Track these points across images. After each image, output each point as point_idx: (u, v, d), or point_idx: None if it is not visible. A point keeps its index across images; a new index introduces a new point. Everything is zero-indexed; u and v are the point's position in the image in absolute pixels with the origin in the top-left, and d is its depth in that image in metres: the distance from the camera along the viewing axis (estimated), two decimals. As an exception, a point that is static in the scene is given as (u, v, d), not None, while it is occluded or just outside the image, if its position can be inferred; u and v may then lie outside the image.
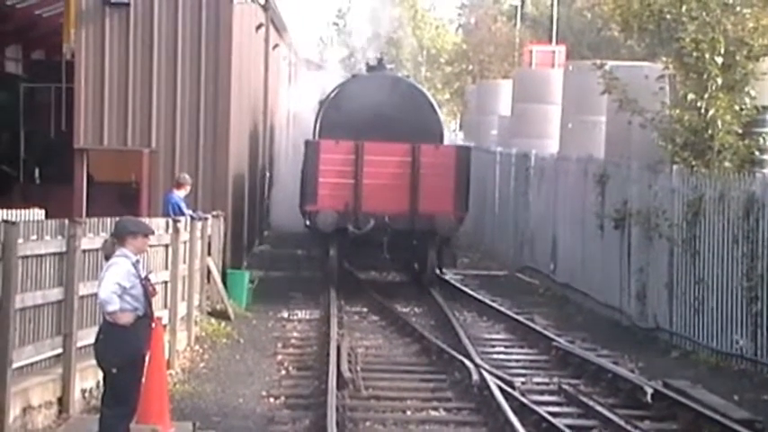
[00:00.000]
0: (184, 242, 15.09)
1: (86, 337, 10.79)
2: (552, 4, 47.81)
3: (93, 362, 9.34)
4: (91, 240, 11.30)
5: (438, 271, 21.18)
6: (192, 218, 16.19)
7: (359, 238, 20.04)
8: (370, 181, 20.05)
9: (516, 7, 55.86)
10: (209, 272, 17.21)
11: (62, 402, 10.73)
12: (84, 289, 11.13)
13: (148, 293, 8.95)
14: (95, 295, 9.81)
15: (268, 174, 28.01)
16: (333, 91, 23.27)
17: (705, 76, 16.74)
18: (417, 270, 21.60)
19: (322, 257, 21.13)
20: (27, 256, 10.19)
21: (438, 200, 20.04)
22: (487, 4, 64.49)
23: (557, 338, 15.98)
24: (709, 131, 16.73)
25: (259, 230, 26.99)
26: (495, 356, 15.37)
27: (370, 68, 24.52)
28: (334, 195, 20.01)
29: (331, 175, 20.10)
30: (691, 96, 16.81)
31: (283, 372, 14.11)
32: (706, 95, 16.70)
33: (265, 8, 25.15)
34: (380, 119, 20.97)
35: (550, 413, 11.72)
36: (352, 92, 22.31)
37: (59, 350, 10.89)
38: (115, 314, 8.76)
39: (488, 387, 12.57)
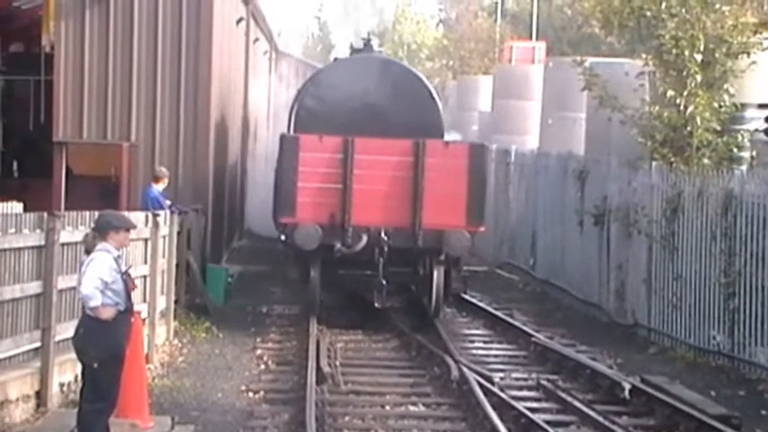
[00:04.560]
0: (164, 236, 15.04)
1: (65, 330, 10.76)
2: (532, 1, 47.91)
3: (72, 355, 9.32)
4: (70, 234, 11.26)
5: (445, 298, 17.19)
6: (172, 212, 16.16)
7: (348, 258, 16.28)
8: (361, 186, 16.20)
9: (497, 3, 55.95)
10: (188, 266, 17.17)
11: (40, 396, 10.69)
12: (62, 282, 11.08)
13: (128, 288, 8.93)
14: (74, 289, 9.77)
15: (248, 171, 27.86)
16: (311, 77, 20.26)
17: (684, 74, 16.83)
18: (418, 294, 17.55)
19: (301, 280, 17.32)
20: (5, 250, 10.15)
21: (447, 211, 16.19)
22: (468, -1, 64.61)
23: (536, 334, 16.03)
24: (689, 128, 16.82)
25: (238, 228, 26.91)
26: (475, 352, 15.40)
27: (354, 51, 20.89)
28: (316, 204, 16.19)
29: (313, 178, 16.24)
30: (670, 93, 16.88)
31: (263, 366, 14.10)
32: (685, 92, 16.79)
33: (246, 2, 25.11)
34: (368, 109, 18.01)
35: (529, 409, 11.76)
36: (334, 77, 19.06)
37: (38, 344, 10.84)
38: (97, 309, 8.72)
39: (468, 382, 12.60)
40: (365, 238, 16.10)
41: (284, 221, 16.51)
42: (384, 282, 16.18)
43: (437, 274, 16.63)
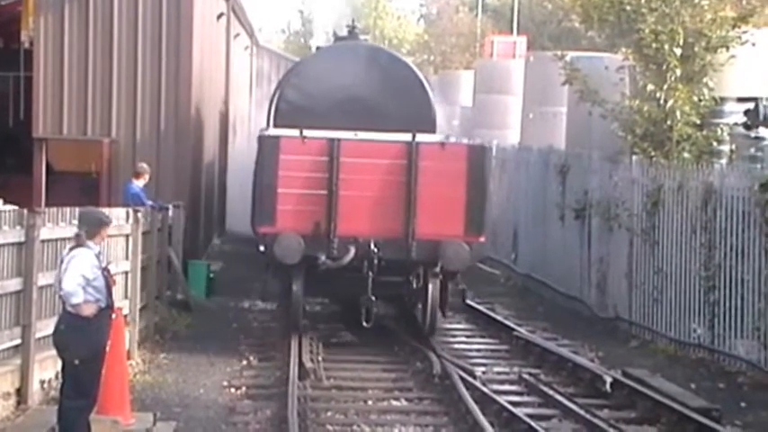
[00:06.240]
0: (145, 232, 15.01)
1: (45, 327, 10.72)
2: (513, -5, 47.93)
3: (53, 352, 9.28)
4: (50, 230, 11.22)
5: (442, 314, 15.64)
6: (153, 208, 16.13)
7: (334, 271, 14.61)
8: (349, 193, 14.51)
9: (478, -2, 56.03)
10: (169, 262, 17.14)
11: (20, 393, 10.65)
12: (43, 279, 11.04)
13: (109, 284, 8.90)
14: (55, 286, 9.73)
15: (229, 168, 27.76)
16: (292, 67, 19.28)
17: (664, 68, 16.90)
18: (409, 306, 16.27)
19: (282, 293, 15.97)
20: (-15, 247, 10.11)
21: (443, 219, 14.56)
22: (449, -6, 64.65)
23: (517, 328, 16.07)
24: (669, 122, 16.90)
25: (218, 226, 26.85)
26: (457, 346, 15.43)
27: (338, 39, 19.76)
28: (299, 212, 14.49)
29: (295, 184, 14.50)
30: (650, 87, 16.95)
31: (245, 362, 14.09)
32: (665, 86, 16.86)
33: (226, -3, 25.04)
34: (355, 101, 16.91)
35: (511, 402, 11.80)
36: (317, 67, 17.90)
37: (18, 341, 10.80)
38: (79, 306, 8.70)
39: (450, 377, 12.63)
40: (353, 250, 14.43)
41: (263, 231, 14.73)
42: (373, 298, 14.61)
43: (432, 288, 15.04)
